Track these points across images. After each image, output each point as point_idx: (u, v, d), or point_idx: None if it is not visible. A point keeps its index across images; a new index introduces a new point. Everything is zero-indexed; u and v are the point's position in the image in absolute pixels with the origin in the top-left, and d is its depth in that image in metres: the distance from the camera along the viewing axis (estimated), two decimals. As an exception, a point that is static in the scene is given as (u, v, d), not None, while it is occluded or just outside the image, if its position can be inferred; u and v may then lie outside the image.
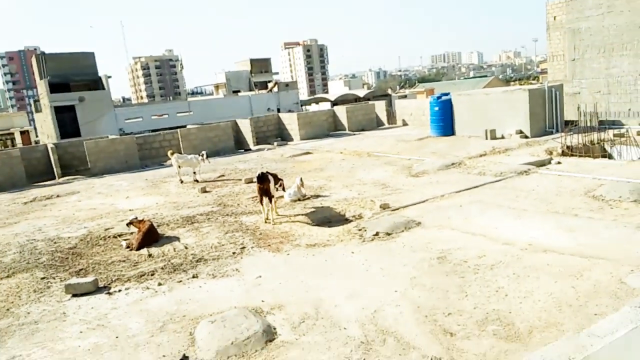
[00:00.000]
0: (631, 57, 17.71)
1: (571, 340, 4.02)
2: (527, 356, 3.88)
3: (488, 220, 7.69)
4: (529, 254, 6.18)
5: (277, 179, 9.79)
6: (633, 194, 7.95)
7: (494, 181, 10.19)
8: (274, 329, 4.92)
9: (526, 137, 15.09)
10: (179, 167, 13.96)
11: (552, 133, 15.23)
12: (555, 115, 15.80)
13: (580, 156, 11.94)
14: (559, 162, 11.31)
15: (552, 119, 15.76)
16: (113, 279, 6.75)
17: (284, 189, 10.08)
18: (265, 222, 8.94)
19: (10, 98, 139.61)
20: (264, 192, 8.82)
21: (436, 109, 17.76)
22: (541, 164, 11.24)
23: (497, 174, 10.68)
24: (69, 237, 9.21)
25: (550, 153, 12.42)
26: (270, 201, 9.00)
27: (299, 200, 10.29)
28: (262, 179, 8.76)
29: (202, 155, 13.95)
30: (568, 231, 6.84)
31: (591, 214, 7.46)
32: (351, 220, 8.61)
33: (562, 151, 12.47)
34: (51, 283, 6.88)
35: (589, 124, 13.75)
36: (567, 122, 15.87)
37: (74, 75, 35.46)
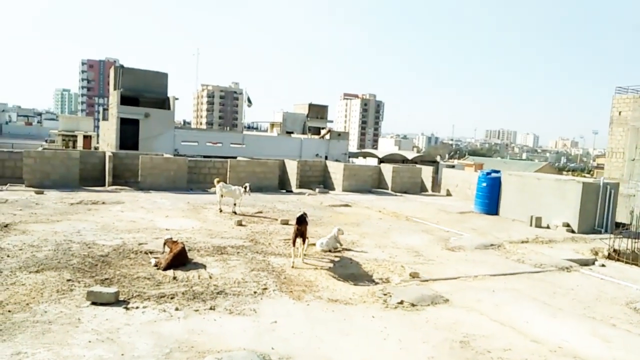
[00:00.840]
0: (695, 168, 16.95)
1: None
2: None
3: (520, 311, 7.29)
4: (557, 357, 5.77)
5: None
6: (681, 314, 7.36)
7: (532, 271, 9.74)
8: (278, 381, 4.75)
9: (572, 231, 14.46)
10: (222, 196, 14.22)
11: (600, 232, 14.54)
12: (607, 214, 15.12)
13: (627, 262, 11.28)
14: (603, 265, 10.72)
15: (603, 218, 15.08)
16: (134, 295, 6.78)
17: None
18: (293, 264, 8.97)
19: (82, 103, 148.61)
20: (300, 233, 9.04)
21: (484, 184, 17.43)
22: (584, 263, 10.68)
23: (537, 264, 10.22)
24: (103, 245, 9.43)
25: (596, 253, 11.80)
26: (304, 242, 9.18)
27: (330, 251, 10.17)
28: (301, 220, 9.02)
29: (245, 188, 14.18)
30: (603, 341, 6.37)
31: (630, 327, 6.94)
32: (377, 283, 8.38)
33: (609, 254, 11.83)
34: (75, 286, 6.99)
35: (641, 230, 13.05)
36: (617, 224, 15.14)
37: (145, 92, 37.43)
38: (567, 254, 11.26)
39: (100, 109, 55.77)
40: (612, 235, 12.77)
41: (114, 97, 37.21)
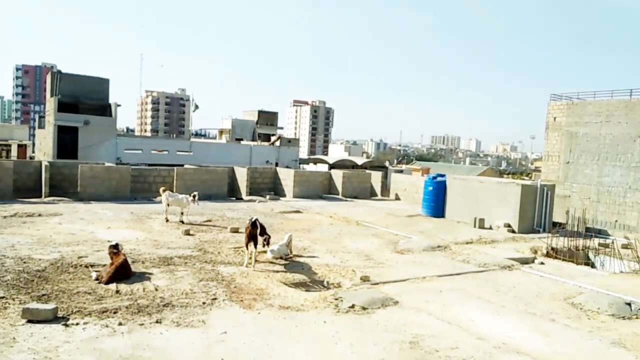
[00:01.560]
0: (623, 168, 18.19)
1: None
2: None
3: (466, 310, 7.53)
4: (502, 353, 6.00)
5: (264, 231, 9.89)
6: (611, 307, 7.86)
7: (477, 271, 10.10)
8: (229, 392, 4.65)
9: (513, 231, 15.15)
10: (168, 205, 13.84)
11: (539, 232, 15.31)
12: (545, 214, 15.95)
13: (563, 260, 11.93)
14: (542, 263, 11.28)
15: (541, 218, 15.89)
16: (74, 310, 6.46)
17: (268, 245, 10.05)
18: (246, 265, 9.29)
19: (16, 110, 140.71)
20: (253, 237, 9.33)
21: (430, 188, 17.93)
22: (525, 261, 11.20)
23: (481, 264, 10.62)
24: (39, 259, 8.93)
25: (535, 252, 12.41)
26: (255, 247, 9.41)
27: (281, 258, 10.13)
28: (254, 224, 9.39)
29: (194, 197, 13.88)
30: (543, 335, 6.69)
31: (568, 322, 7.33)
32: (329, 288, 8.43)
33: (547, 252, 12.47)
34: (9, 304, 6.58)
35: (576, 229, 13.85)
36: (554, 224, 16.00)
37: (85, 98, 35.88)
38: (509, 254, 11.78)
39: (37, 116, 52.90)
40: (549, 235, 13.47)
41: (50, 103, 35.48)
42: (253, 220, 9.47)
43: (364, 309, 7.30)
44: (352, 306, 7.34)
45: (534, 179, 29.37)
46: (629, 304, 8.02)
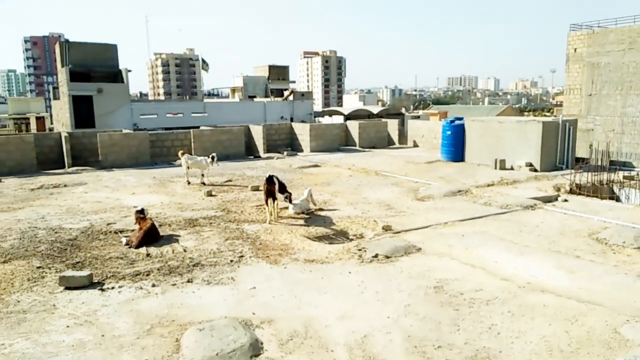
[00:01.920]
0: (648, 98, 17.61)
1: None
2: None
3: (489, 252, 7.60)
4: (526, 292, 6.09)
5: (284, 189, 10.03)
6: (637, 240, 7.83)
7: (499, 213, 10.10)
8: (261, 343, 4.87)
9: (535, 170, 14.97)
10: (188, 167, 14.02)
11: (562, 169, 15.11)
12: (567, 150, 15.67)
13: (587, 195, 11.81)
14: (565, 200, 11.20)
15: (564, 155, 15.64)
16: (108, 275, 6.74)
17: (290, 201, 10.19)
18: (269, 221, 9.52)
19: (30, 83, 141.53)
20: (270, 193, 9.55)
21: (448, 132, 17.71)
22: (548, 200, 11.13)
23: (502, 205, 10.60)
24: (70, 229, 9.24)
25: (558, 189, 12.30)
26: (274, 202, 9.67)
27: (303, 213, 10.27)
28: (270, 180, 9.60)
29: (212, 158, 14.01)
30: (568, 272, 6.74)
31: (593, 257, 7.35)
32: (352, 239, 8.56)
33: (570, 189, 12.35)
34: (46, 273, 6.89)
35: (599, 163, 13.62)
36: (577, 159, 15.74)
37: (95, 66, 35.82)
38: (531, 193, 11.70)
39: (50, 87, 53.22)
40: (573, 171, 13.30)
41: (62, 74, 35.54)
42: (268, 176, 9.68)
43: (388, 257, 7.42)
44: (376, 256, 7.47)
45: (555, 115, 28.67)
46: (655, 236, 7.97)
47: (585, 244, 8.02)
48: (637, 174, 13.47)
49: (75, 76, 34.03)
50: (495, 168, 15.47)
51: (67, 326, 5.27)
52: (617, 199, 12.65)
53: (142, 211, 8.71)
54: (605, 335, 4.95)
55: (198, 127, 22.35)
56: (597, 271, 6.79)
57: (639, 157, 17.62)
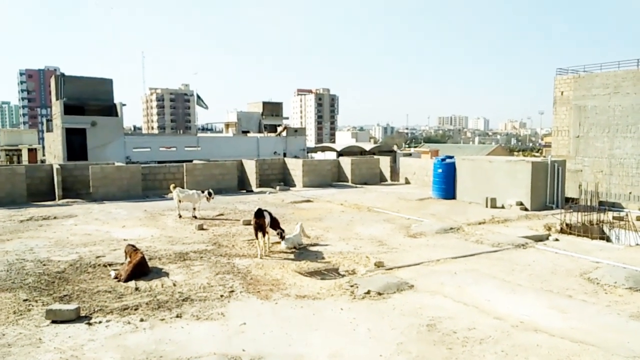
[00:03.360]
0: (635, 139, 18.00)
1: None
2: None
3: (481, 291, 7.58)
4: (519, 331, 6.05)
5: (277, 225, 10.03)
6: (628, 280, 7.86)
7: (490, 251, 10.13)
8: (252, 382, 4.76)
9: (526, 209, 15.10)
10: (180, 201, 13.98)
11: (552, 208, 15.25)
12: (557, 190, 15.86)
13: (578, 235, 11.90)
14: (556, 239, 11.26)
15: (553, 194, 15.81)
16: (96, 309, 6.61)
17: (283, 238, 10.15)
18: (260, 257, 9.47)
19: (24, 115, 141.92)
20: (260, 227, 9.54)
21: (439, 170, 17.90)
22: (539, 239, 11.19)
23: (494, 244, 10.63)
24: (58, 261, 9.11)
25: (549, 229, 12.39)
26: (264, 236, 9.66)
27: (295, 248, 10.22)
28: (259, 214, 9.58)
29: (210, 194, 13.91)
30: (561, 312, 6.72)
31: (585, 297, 7.35)
32: (344, 275, 8.52)
33: (561, 228, 12.44)
34: (32, 306, 6.74)
35: (589, 203, 13.78)
36: (567, 199, 15.92)
37: (90, 100, 36.12)
38: (522, 232, 11.77)
39: (44, 120, 53.32)
40: (563, 210, 13.43)
41: (57, 107, 35.74)
42: (257, 210, 9.67)
43: (380, 294, 7.37)
44: (368, 292, 7.41)
45: (544, 155, 29.16)
46: (646, 276, 8.01)
47: (577, 283, 8.03)
48: (627, 215, 13.64)
49: (69, 109, 34.26)
50: (487, 206, 15.59)
51: (52, 361, 5.14)
52: (608, 239, 12.74)
53: (133, 246, 8.69)
54: (599, 376, 4.90)
55: (191, 161, 22.43)
56: (589, 311, 6.78)
57: (628, 198, 17.86)
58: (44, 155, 49.04)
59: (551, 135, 23.39)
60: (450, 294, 7.41)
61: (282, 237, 10.26)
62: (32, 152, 50.82)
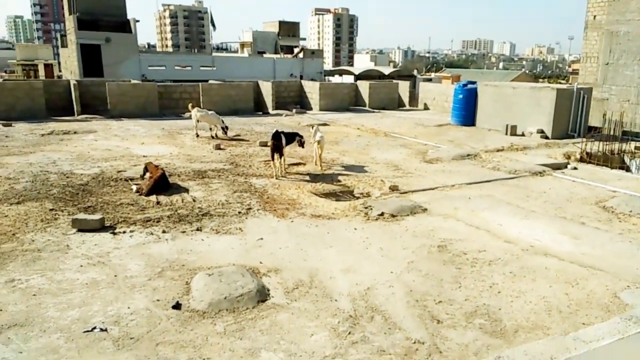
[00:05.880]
0: (667, 69, 17.22)
1: (556, 341, 4.09)
2: (510, 350, 3.95)
3: (494, 216, 7.68)
4: (529, 255, 6.19)
5: (294, 137, 10.32)
6: (644, 210, 7.86)
7: (507, 178, 10.13)
8: (268, 290, 5.04)
9: (547, 137, 14.87)
10: (198, 121, 14.01)
11: (573, 137, 14.99)
12: (580, 119, 15.50)
13: (597, 164, 11.78)
14: (575, 168, 11.18)
15: (576, 123, 15.47)
16: (119, 220, 6.90)
17: (302, 145, 10.60)
18: (275, 176, 9.65)
19: (37, 30, 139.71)
20: (277, 148, 9.67)
21: (460, 96, 17.51)
22: (557, 167, 11.12)
23: (511, 171, 10.61)
24: (81, 174, 9.38)
25: (568, 157, 12.26)
26: (281, 158, 9.83)
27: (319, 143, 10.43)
28: (277, 137, 9.68)
29: (223, 129, 13.84)
30: (572, 238, 6.83)
31: (599, 225, 7.42)
32: (359, 197, 8.66)
33: (581, 157, 12.29)
34: (59, 215, 7.06)
35: (612, 133, 13.49)
36: (590, 128, 15.57)
37: (103, 15, 35.24)
38: (541, 160, 11.68)
39: (58, 35, 52.55)
40: (584, 139, 13.20)
41: (70, 22, 35.05)
42: (274, 132, 9.75)
43: (393, 216, 7.52)
44: (382, 214, 7.56)
45: (571, 83, 28.18)
46: (662, 207, 8.00)
47: (592, 211, 8.08)
48: (649, 146, 13.36)
49: (83, 24, 33.57)
50: (506, 134, 15.37)
51: (81, 266, 5.46)
52: (628, 169, 12.60)
53: (150, 164, 8.92)
54: (604, 299, 5.07)
55: (206, 81, 22.20)
56: (601, 238, 6.87)
57: (653, 129, 17.40)
58: (60, 71, 48.84)
59: (579, 62, 22.44)
60: (463, 218, 7.53)
61: (302, 145, 10.58)
62: (48, 67, 50.62)
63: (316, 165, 10.58)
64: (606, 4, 19.09)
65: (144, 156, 11.11)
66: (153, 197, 7.97)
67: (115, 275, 5.25)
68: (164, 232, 6.53)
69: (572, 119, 15.40)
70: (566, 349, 3.95)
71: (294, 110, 20.74)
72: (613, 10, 18.88)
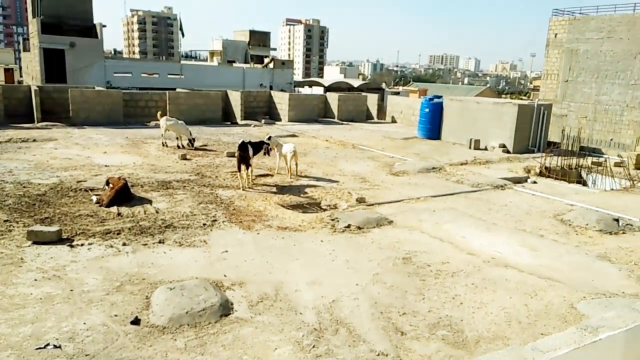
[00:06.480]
0: (622, 86, 18.06)
1: (514, 351, 4.15)
2: (471, 365, 4.00)
3: (458, 228, 7.82)
4: (490, 266, 6.32)
5: (260, 146, 10.24)
6: (599, 223, 8.16)
7: (470, 191, 10.35)
8: (232, 304, 4.96)
9: (508, 152, 15.30)
10: (167, 130, 13.74)
11: (533, 152, 15.48)
12: (540, 134, 16.04)
13: (556, 178, 12.18)
14: (534, 182, 11.53)
15: (536, 138, 16.00)
16: (78, 232, 6.68)
17: (268, 154, 10.53)
18: (243, 189, 9.52)
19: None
20: (243, 159, 9.53)
21: (426, 110, 17.85)
22: (518, 180, 11.44)
23: (474, 184, 10.85)
24: (39, 184, 9.06)
25: (528, 171, 12.64)
26: (247, 169, 9.70)
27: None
28: (243, 147, 9.55)
29: (190, 141, 13.67)
30: (531, 250, 7.01)
31: (556, 237, 7.65)
32: (326, 209, 8.68)
33: (540, 171, 12.69)
34: (13, 227, 6.78)
35: (570, 148, 14.00)
36: (549, 143, 16.13)
37: (68, 19, 34.40)
38: (502, 173, 12.00)
39: (20, 39, 51.00)
40: (544, 154, 13.64)
41: (33, 25, 34.05)
42: (241, 143, 9.65)
43: (360, 228, 7.56)
44: (348, 226, 7.59)
45: (532, 99, 29.14)
46: (617, 220, 8.33)
47: (550, 224, 8.32)
48: (605, 160, 13.92)
49: (47, 28, 32.67)
50: (470, 147, 15.74)
51: (35, 280, 5.25)
52: (584, 184, 13.08)
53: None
54: (562, 310, 5.21)
55: (174, 89, 21.92)
56: (559, 250, 7.08)
57: (609, 144, 18.16)
58: (21, 76, 47.28)
59: (540, 78, 23.28)
60: (428, 230, 7.64)
61: (268, 153, 10.53)
62: (8, 72, 48.88)
63: (291, 175, 10.70)
64: (567, 23, 19.92)
65: (105, 166, 10.84)
66: (114, 209, 7.76)
67: (72, 290, 5.06)
68: (124, 244, 6.36)
69: (532, 134, 15.91)
70: (524, 359, 4.02)
71: (263, 121, 20.68)
72: (573, 29, 19.72)
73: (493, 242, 7.22)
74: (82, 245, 6.27)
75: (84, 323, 4.45)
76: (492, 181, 11.10)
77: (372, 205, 8.92)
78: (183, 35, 49.08)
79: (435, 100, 18.09)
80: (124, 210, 7.76)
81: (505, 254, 6.76)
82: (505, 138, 15.60)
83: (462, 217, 8.46)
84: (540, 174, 12.53)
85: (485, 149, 15.73)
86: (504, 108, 16.04)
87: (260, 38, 61.63)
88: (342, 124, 21.73)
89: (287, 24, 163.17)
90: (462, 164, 13.13)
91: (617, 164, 13.76)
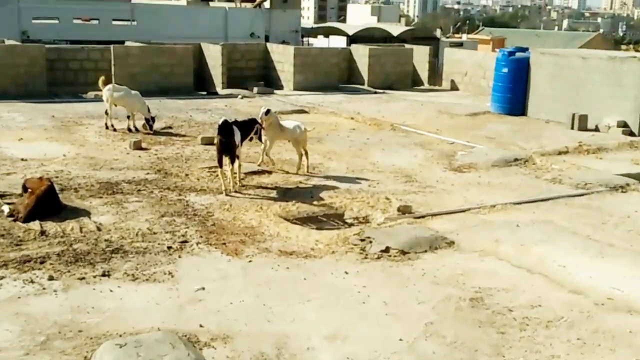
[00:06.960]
0: None
1: None
2: None
3: (554, 252, 7.77)
4: (605, 312, 6.27)
5: (251, 127, 10.10)
6: None
7: (572, 195, 10.28)
8: (212, 370, 5.01)
9: (632, 133, 15.14)
10: (114, 104, 13.74)
11: (672, 133, 15.29)
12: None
13: None
14: (674, 180, 11.40)
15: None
16: (-20, 261, 6.80)
17: (260, 139, 10.48)
18: (226, 193, 9.50)
19: None
20: (226, 147, 9.33)
21: (504, 70, 17.77)
22: (647, 178, 11.33)
23: (579, 184, 10.78)
24: None
25: (664, 164, 12.50)
26: (233, 163, 9.58)
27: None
28: (226, 130, 9.30)
29: (147, 121, 13.76)
30: (669, 286, 6.94)
31: None
32: (352, 224, 8.69)
33: (683, 164, 12.53)
34: None
35: None
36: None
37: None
38: (623, 167, 11.90)
39: None
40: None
41: None
42: (222, 122, 9.44)
43: (404, 253, 7.56)
44: (386, 250, 7.60)
45: (667, 53, 28.78)
46: None
47: (698, 246, 8.23)
48: None
49: None
50: (572, 127, 15.62)
51: None
52: None
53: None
54: None
55: (122, 42, 22.08)
56: None
57: None
58: None
59: (681, 20, 23.00)
60: (508, 256, 7.60)
61: (260, 139, 10.55)
62: None
63: (303, 171, 10.93)
64: None
65: (22, 160, 11.00)
66: (35, 224, 7.86)
67: (-26, 348, 5.16)
68: (51, 278, 6.44)
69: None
70: None
71: (256, 90, 20.77)
72: None
73: (609, 274, 7.16)
74: (-12, 280, 6.37)
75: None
76: (607, 179, 11.01)
77: (423, 217, 8.92)
78: None
79: (519, 55, 17.99)
80: (50, 226, 7.86)
81: (628, 293, 6.69)
82: (627, 112, 15.43)
83: (562, 235, 8.41)
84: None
85: (596, 129, 15.60)
86: (624, 65, 15.87)
87: (250, -36, 61.79)
88: (375, 92, 21.74)
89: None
90: (560, 154, 13.05)
91: None
